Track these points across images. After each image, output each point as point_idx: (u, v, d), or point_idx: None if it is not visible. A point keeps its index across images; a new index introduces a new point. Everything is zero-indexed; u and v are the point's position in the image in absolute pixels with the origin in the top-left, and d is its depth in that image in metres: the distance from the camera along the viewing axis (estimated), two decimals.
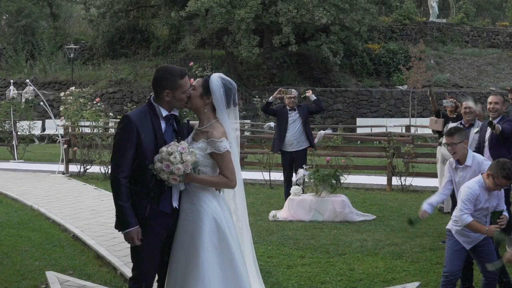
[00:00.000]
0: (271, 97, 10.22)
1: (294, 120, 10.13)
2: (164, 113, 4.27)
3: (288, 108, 10.19)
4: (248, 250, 4.72)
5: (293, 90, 10.38)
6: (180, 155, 4.07)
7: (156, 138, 4.18)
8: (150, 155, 4.14)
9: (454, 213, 5.35)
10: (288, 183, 10.28)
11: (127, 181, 4.12)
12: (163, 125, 4.26)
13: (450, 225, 5.34)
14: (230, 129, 4.37)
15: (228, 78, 4.43)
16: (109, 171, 4.28)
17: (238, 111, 4.59)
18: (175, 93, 4.23)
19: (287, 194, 9.99)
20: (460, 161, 5.64)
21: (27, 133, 19.63)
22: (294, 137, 10.14)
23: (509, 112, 8.71)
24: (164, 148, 4.11)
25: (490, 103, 7.35)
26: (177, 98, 4.25)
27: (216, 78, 4.35)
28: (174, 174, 4.06)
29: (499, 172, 5.02)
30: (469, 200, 5.06)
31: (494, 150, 7.12)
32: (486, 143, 7.30)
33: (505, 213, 5.25)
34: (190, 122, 4.53)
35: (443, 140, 6.01)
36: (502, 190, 5.30)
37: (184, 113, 4.44)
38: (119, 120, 4.43)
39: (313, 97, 10.34)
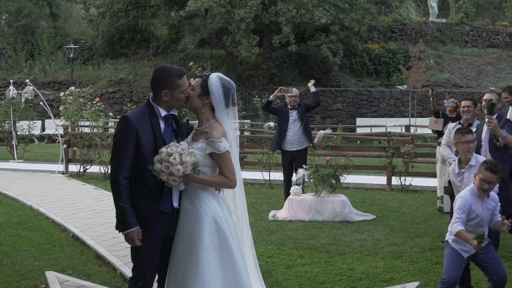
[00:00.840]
0: (272, 96, 10.21)
1: (294, 119, 10.14)
2: (163, 113, 4.27)
3: (289, 107, 10.20)
4: (248, 249, 4.72)
5: (294, 89, 10.38)
6: (179, 156, 4.06)
7: (155, 138, 4.18)
8: (149, 155, 4.14)
9: (450, 224, 5.35)
10: (288, 182, 10.28)
11: (127, 182, 4.12)
12: (162, 125, 4.26)
13: (447, 236, 5.35)
14: (229, 129, 4.37)
15: (227, 78, 4.42)
16: (109, 171, 4.27)
17: (237, 111, 4.59)
18: (174, 93, 4.23)
19: (287, 194, 10.00)
20: (464, 162, 5.71)
21: (27, 133, 19.63)
22: (295, 136, 10.14)
23: (504, 112, 8.73)
24: (163, 149, 4.11)
25: (485, 100, 7.40)
26: (176, 98, 4.25)
27: (215, 78, 4.35)
28: (173, 175, 4.06)
29: (482, 166, 5.14)
30: (461, 210, 5.10)
31: (494, 152, 7.10)
32: (483, 143, 7.29)
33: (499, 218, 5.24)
34: (190, 122, 4.53)
35: (450, 139, 6.04)
36: (497, 198, 5.27)
37: (183, 113, 4.44)
38: (118, 120, 4.43)
39: (313, 89, 10.26)
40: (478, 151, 7.23)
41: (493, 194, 5.27)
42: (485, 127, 7.25)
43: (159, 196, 4.17)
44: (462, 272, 5.60)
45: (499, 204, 5.33)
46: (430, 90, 9.92)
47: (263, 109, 10.96)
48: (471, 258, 5.24)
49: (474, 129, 7.67)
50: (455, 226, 5.07)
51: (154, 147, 4.16)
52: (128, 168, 4.12)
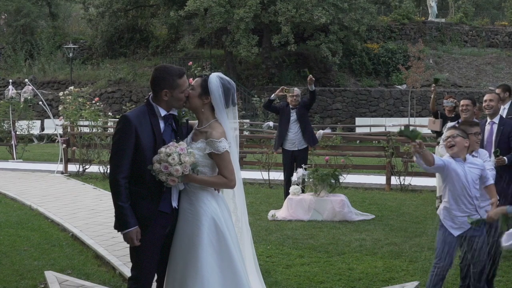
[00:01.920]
0: (273, 95, 10.20)
1: (295, 119, 10.13)
2: (163, 112, 4.26)
3: (290, 106, 10.19)
4: (248, 250, 4.71)
5: (295, 88, 10.37)
6: (178, 156, 4.05)
7: (155, 138, 4.17)
8: (149, 155, 4.13)
9: (443, 194, 5.31)
10: (288, 182, 10.27)
11: (126, 182, 4.11)
12: (161, 124, 4.25)
13: (439, 210, 5.30)
14: (229, 129, 4.37)
15: (227, 78, 4.42)
16: (108, 171, 4.27)
17: (237, 110, 4.59)
18: (174, 93, 4.22)
19: (287, 193, 9.99)
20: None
21: (26, 132, 19.61)
22: (296, 136, 10.14)
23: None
24: (162, 149, 4.10)
25: (485, 100, 7.34)
26: (176, 97, 4.24)
27: (215, 78, 4.35)
28: (172, 176, 4.06)
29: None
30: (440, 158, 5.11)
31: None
32: (487, 143, 7.21)
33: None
34: (189, 121, 4.53)
35: (443, 136, 6.05)
36: (483, 165, 5.18)
37: (183, 112, 4.43)
38: (118, 120, 4.43)
39: (312, 87, 10.08)
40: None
41: (478, 160, 5.21)
42: (487, 127, 7.20)
43: (158, 196, 4.17)
44: (466, 271, 5.58)
45: (488, 172, 5.23)
46: (433, 85, 9.86)
47: (264, 107, 10.95)
48: (463, 237, 5.15)
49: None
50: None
51: (153, 147, 4.15)
52: (127, 168, 4.11)
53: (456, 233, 5.11)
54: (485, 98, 7.41)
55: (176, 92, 4.23)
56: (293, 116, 10.16)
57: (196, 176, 4.19)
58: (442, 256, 5.12)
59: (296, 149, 10.19)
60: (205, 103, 4.32)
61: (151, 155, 4.12)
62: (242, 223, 4.66)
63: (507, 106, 8.46)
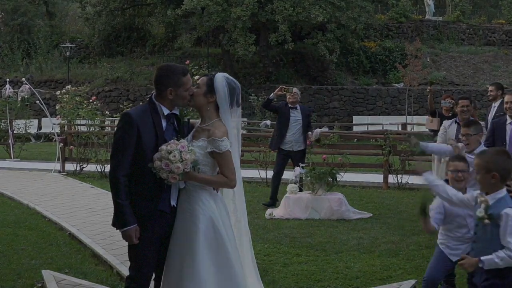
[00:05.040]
0: (272, 94, 10.16)
1: (295, 120, 10.11)
2: (166, 111, 4.25)
3: (290, 106, 10.17)
4: (247, 250, 4.70)
5: (294, 88, 10.36)
6: (179, 153, 4.05)
7: (156, 137, 4.17)
8: (150, 153, 4.12)
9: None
10: (276, 177, 10.29)
11: (126, 180, 4.10)
12: (164, 123, 4.24)
13: (438, 240, 5.30)
14: (231, 128, 4.37)
15: (233, 78, 4.45)
16: (106, 170, 4.27)
17: (240, 111, 4.60)
18: (178, 91, 4.22)
19: (274, 188, 10.14)
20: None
21: (23, 131, 19.60)
22: (293, 138, 10.11)
23: (488, 110, 8.78)
24: (163, 147, 4.10)
25: (507, 102, 7.25)
26: (180, 96, 4.24)
27: (221, 77, 4.36)
28: (173, 173, 4.05)
29: (450, 160, 5.28)
30: (434, 209, 5.07)
31: None
32: (508, 143, 7.09)
33: None
34: (191, 120, 4.53)
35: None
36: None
37: (185, 112, 4.44)
38: (117, 117, 4.43)
39: (317, 135, 10.32)
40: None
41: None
42: (508, 128, 7.12)
43: (158, 195, 4.16)
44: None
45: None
46: (428, 87, 9.92)
47: (263, 107, 10.93)
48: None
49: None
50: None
51: (155, 146, 4.13)
52: (128, 166, 4.10)
53: (455, 258, 5.03)
54: (506, 99, 7.34)
55: (180, 90, 4.22)
56: (293, 116, 10.12)
57: (196, 175, 4.18)
58: (432, 271, 5.06)
59: (292, 150, 10.17)
60: (210, 101, 4.33)
61: (152, 154, 4.11)
62: (242, 223, 4.65)
63: (497, 104, 8.47)
